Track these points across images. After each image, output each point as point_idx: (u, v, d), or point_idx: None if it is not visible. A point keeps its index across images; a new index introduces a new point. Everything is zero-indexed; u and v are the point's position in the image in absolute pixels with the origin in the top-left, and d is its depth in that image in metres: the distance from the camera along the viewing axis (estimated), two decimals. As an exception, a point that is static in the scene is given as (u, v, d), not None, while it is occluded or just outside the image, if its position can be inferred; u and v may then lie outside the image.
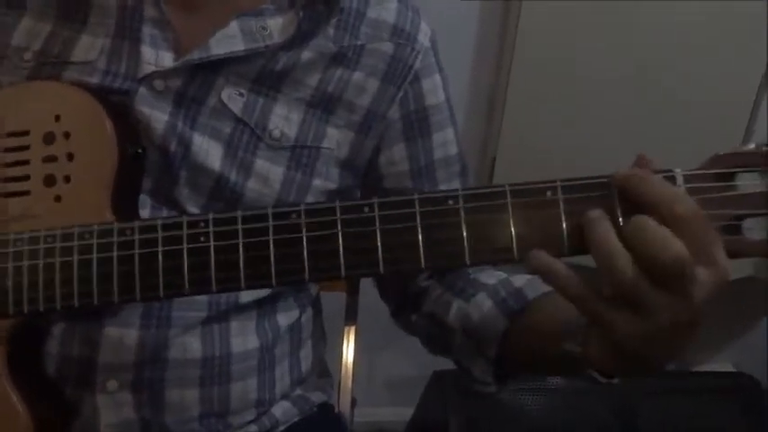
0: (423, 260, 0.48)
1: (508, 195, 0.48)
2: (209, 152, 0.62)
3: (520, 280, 0.65)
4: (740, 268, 1.38)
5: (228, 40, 0.61)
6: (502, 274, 0.68)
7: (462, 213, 0.48)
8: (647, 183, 0.45)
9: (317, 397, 0.76)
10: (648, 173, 0.45)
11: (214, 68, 0.62)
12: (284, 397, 0.71)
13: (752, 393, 1.47)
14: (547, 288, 0.62)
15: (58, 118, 0.58)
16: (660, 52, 1.24)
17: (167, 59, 0.61)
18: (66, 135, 0.58)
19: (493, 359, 0.63)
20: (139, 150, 0.60)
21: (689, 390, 1.44)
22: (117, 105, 0.60)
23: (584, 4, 1.23)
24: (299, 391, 0.74)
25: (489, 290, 0.66)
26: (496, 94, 1.37)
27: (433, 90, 0.71)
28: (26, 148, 0.58)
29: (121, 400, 0.61)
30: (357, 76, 0.66)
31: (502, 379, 0.65)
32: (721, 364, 1.65)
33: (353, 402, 0.92)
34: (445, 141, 0.72)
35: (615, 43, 1.25)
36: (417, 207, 0.48)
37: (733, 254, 0.46)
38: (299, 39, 0.64)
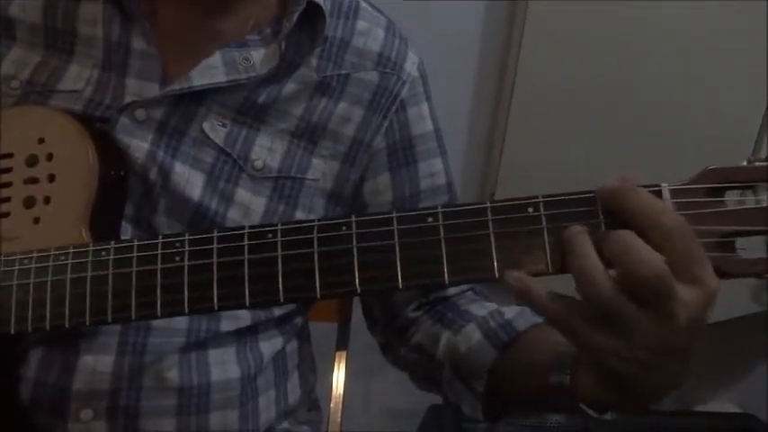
0: (400, 279, 0.46)
1: (489, 212, 0.46)
2: (190, 181, 0.61)
3: (511, 311, 0.63)
4: (746, 305, 1.35)
5: (210, 71, 0.61)
6: (493, 306, 0.66)
7: (442, 231, 0.46)
8: (631, 196, 0.43)
9: (303, 431, 0.73)
10: (634, 186, 0.44)
11: (197, 99, 0.62)
12: (269, 430, 0.69)
13: None
14: (538, 319, 0.60)
15: (41, 141, 0.58)
16: (670, 74, 1.23)
17: (152, 91, 0.61)
18: (49, 157, 0.58)
19: (481, 394, 0.60)
20: (121, 173, 0.60)
21: (689, 429, 1.39)
22: (101, 130, 0.60)
23: (583, 37, 1.24)
24: (285, 425, 0.71)
25: (479, 321, 0.64)
26: (496, 131, 1.37)
27: (420, 119, 0.70)
28: (9, 170, 0.58)
29: (95, 429, 0.59)
30: (342, 105, 0.66)
31: (494, 414, 0.62)
32: (725, 403, 1.59)
33: (343, 437, 0.89)
34: (432, 172, 0.71)
35: (617, 76, 1.25)
36: (396, 225, 0.47)
37: (725, 273, 0.44)
38: (282, 70, 0.63)
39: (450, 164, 0.74)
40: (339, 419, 0.88)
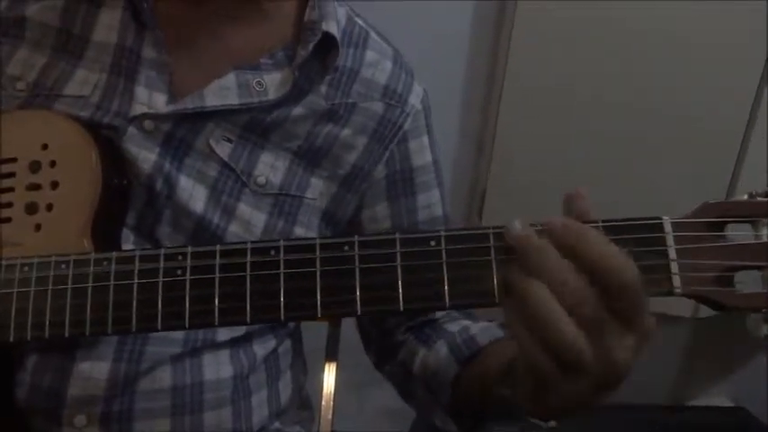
0: (401, 301, 0.47)
1: (491, 238, 0.46)
2: (194, 194, 0.62)
3: (476, 327, 0.65)
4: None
5: (223, 92, 0.62)
6: (464, 322, 0.69)
7: (444, 255, 0.47)
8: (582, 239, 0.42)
9: (295, 431, 0.74)
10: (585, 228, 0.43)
11: (205, 114, 0.62)
12: (262, 429, 0.69)
13: (749, 429, 1.42)
14: (500, 334, 0.63)
15: (45, 147, 0.58)
16: (659, 75, 1.24)
17: (160, 101, 0.61)
18: (53, 164, 0.58)
19: (447, 406, 0.63)
20: (124, 182, 0.60)
21: (683, 424, 1.40)
22: (106, 138, 0.60)
23: (574, 38, 1.25)
24: (277, 425, 0.72)
25: (448, 338, 0.66)
26: (486, 128, 1.38)
27: (421, 151, 0.71)
28: (12, 175, 0.58)
29: None
30: (346, 132, 0.67)
31: (466, 427, 0.64)
32: (718, 397, 1.60)
33: (334, 435, 0.90)
34: (430, 203, 0.72)
35: (606, 75, 1.26)
36: (398, 247, 0.47)
37: (723, 307, 0.45)
38: (292, 96, 0.64)
39: (441, 165, 0.75)
40: (330, 417, 0.89)
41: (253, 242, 0.49)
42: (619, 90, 1.26)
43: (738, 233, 0.46)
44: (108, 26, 0.62)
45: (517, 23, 1.26)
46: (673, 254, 0.44)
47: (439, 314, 0.72)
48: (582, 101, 1.28)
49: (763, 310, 0.45)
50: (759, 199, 0.46)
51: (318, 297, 0.47)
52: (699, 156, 1.26)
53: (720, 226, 0.46)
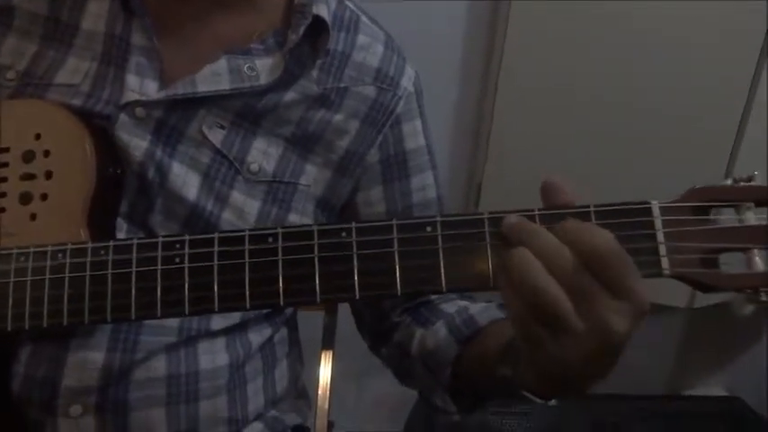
0: (399, 286, 0.48)
1: (486, 223, 0.48)
2: (187, 181, 0.62)
3: (475, 307, 0.66)
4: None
5: (214, 78, 0.62)
6: (462, 303, 0.70)
7: (440, 241, 0.48)
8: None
9: (291, 419, 0.75)
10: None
11: (197, 101, 0.62)
12: (258, 417, 0.70)
13: (744, 419, 1.44)
14: (500, 314, 0.64)
15: (38, 136, 0.58)
16: (654, 70, 1.26)
17: (151, 88, 0.61)
18: (46, 153, 0.58)
19: (447, 386, 0.64)
20: (118, 171, 0.60)
21: (679, 414, 1.42)
22: (98, 127, 0.60)
23: (567, 36, 1.26)
24: (273, 413, 0.72)
25: (447, 318, 0.67)
26: (482, 122, 1.39)
27: (414, 134, 0.72)
28: (5, 165, 0.58)
29: (85, 424, 0.59)
30: (338, 117, 0.67)
31: (466, 406, 0.65)
32: (713, 387, 1.62)
33: (330, 425, 0.91)
34: (424, 185, 0.73)
35: (600, 74, 1.27)
36: (395, 233, 0.48)
37: (708, 287, 0.47)
38: (284, 80, 0.64)
39: (437, 160, 0.75)
40: (326, 407, 0.89)
41: (250, 230, 0.50)
42: (611, 87, 1.28)
43: (723, 217, 0.47)
44: (96, 14, 0.62)
45: (511, 23, 1.28)
46: (661, 237, 0.46)
47: (434, 296, 0.73)
48: (575, 97, 1.29)
49: (747, 291, 0.47)
50: (742, 184, 0.48)
51: (317, 283, 0.48)
52: (693, 154, 1.27)
53: (706, 210, 0.47)
